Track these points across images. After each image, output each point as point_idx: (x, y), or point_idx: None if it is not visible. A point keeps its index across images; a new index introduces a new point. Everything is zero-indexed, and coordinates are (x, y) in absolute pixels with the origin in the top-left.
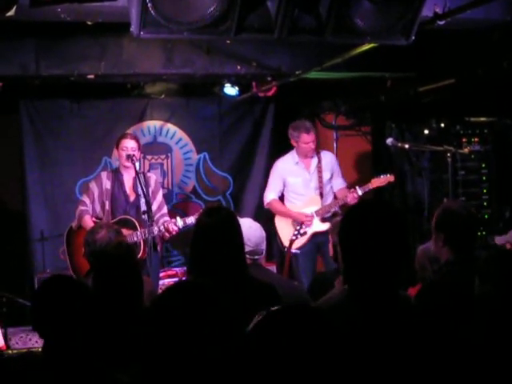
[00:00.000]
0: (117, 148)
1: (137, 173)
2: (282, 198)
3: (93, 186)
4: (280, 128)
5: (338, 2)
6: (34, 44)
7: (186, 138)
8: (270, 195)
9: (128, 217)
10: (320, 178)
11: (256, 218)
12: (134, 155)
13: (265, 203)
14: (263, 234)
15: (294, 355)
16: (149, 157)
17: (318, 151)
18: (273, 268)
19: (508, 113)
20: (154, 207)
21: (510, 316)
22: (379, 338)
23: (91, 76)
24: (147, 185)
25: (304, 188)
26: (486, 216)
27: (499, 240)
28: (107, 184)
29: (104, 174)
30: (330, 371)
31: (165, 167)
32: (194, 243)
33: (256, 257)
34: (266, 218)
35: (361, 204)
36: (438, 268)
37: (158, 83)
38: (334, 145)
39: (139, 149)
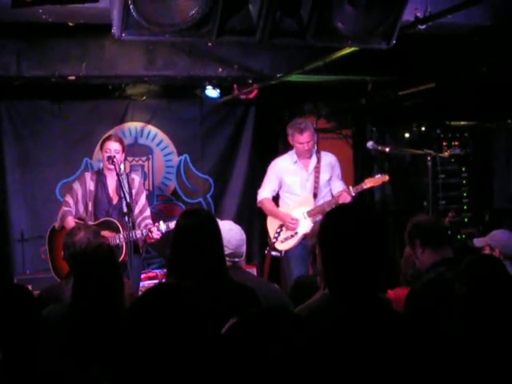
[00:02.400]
0: (100, 149)
1: (118, 175)
2: (277, 197)
3: (77, 186)
4: (261, 130)
5: (319, 6)
6: (15, 45)
7: (167, 140)
8: (263, 193)
9: (111, 219)
10: (317, 178)
11: (237, 221)
12: (114, 157)
13: (257, 201)
14: (243, 236)
15: (268, 359)
16: (130, 158)
17: (318, 151)
18: (253, 271)
19: (488, 117)
20: (137, 210)
21: (484, 315)
22: (359, 340)
23: (72, 77)
24: (130, 187)
25: (300, 188)
26: (466, 219)
27: (478, 242)
28: (91, 185)
29: (88, 175)
30: (304, 375)
31: (146, 169)
32: (174, 245)
33: (236, 259)
34: (246, 220)
35: (339, 207)
36: (425, 271)
37: (140, 85)
38: (315, 147)
39: (123, 151)
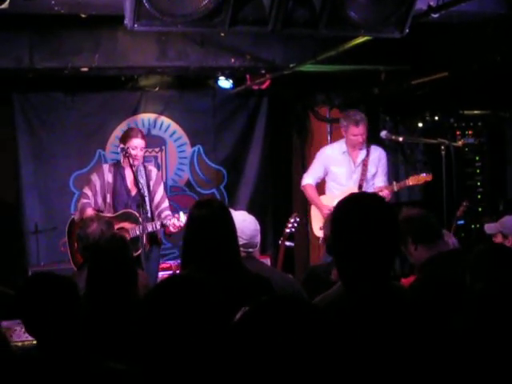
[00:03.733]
0: (122, 143)
1: (131, 166)
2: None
3: (95, 178)
4: (274, 121)
5: None
6: (27, 37)
7: (180, 131)
8: (307, 179)
9: (130, 210)
10: (364, 171)
11: (250, 211)
12: (136, 154)
13: (301, 185)
14: (257, 226)
15: (280, 348)
16: None
17: (368, 145)
18: (267, 261)
19: (502, 106)
20: (155, 201)
21: (502, 313)
22: (372, 330)
23: (85, 69)
24: (148, 178)
25: (346, 179)
26: (480, 209)
27: (489, 229)
28: (109, 177)
29: (106, 167)
30: (319, 365)
31: (159, 160)
32: (187, 236)
33: (250, 250)
34: (260, 210)
35: (351, 197)
36: (421, 265)
37: (152, 76)
38: (328, 138)
39: (146, 145)
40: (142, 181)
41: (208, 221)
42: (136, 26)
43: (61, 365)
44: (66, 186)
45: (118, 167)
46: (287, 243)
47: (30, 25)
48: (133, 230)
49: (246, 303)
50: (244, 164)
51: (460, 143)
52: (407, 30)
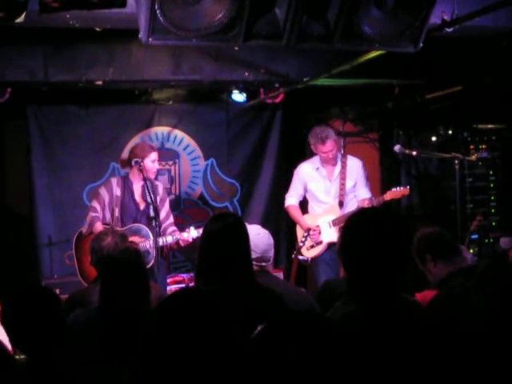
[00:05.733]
0: (139, 156)
1: (144, 179)
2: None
3: (103, 192)
4: (288, 134)
5: (346, 9)
6: (42, 50)
7: (193, 144)
8: (289, 199)
9: (141, 225)
10: (342, 185)
11: (263, 225)
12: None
13: (284, 206)
14: (271, 241)
15: (297, 363)
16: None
17: (344, 155)
18: (280, 275)
19: None
20: (162, 215)
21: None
22: (388, 343)
23: (99, 82)
24: (155, 193)
25: (325, 195)
26: (494, 223)
27: (504, 243)
28: (117, 191)
29: (114, 181)
30: (334, 379)
31: (172, 173)
32: (201, 249)
33: (263, 264)
34: (273, 224)
35: (359, 212)
36: (441, 281)
37: (166, 89)
38: (342, 151)
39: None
40: (151, 194)
41: (223, 235)
42: (150, 39)
43: (49, 376)
44: (79, 199)
45: (125, 181)
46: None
47: (45, 38)
48: (143, 243)
49: (258, 317)
50: (257, 177)
51: (474, 157)
52: (421, 45)
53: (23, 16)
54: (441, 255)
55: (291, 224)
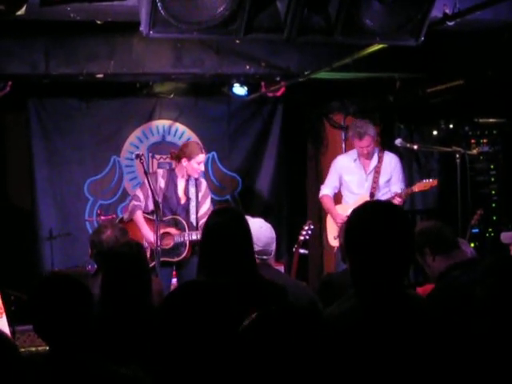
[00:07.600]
0: (188, 159)
1: (189, 175)
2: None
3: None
4: (289, 128)
5: (347, 3)
6: (43, 43)
7: (194, 138)
8: (324, 190)
9: (179, 217)
10: (376, 178)
11: (264, 218)
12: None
13: (318, 196)
14: (273, 234)
15: (283, 356)
16: (157, 156)
17: (382, 150)
18: (281, 268)
19: None
20: (201, 212)
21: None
22: (389, 338)
23: (100, 75)
24: (198, 189)
25: (358, 187)
26: (495, 217)
27: (505, 238)
28: (161, 182)
29: (160, 172)
30: (318, 373)
31: (173, 166)
32: (204, 243)
33: (265, 257)
34: (274, 217)
35: (364, 205)
36: (439, 275)
37: (167, 83)
38: (343, 145)
39: None
40: (193, 190)
41: (224, 228)
42: (151, 32)
43: (69, 369)
44: (80, 192)
45: (171, 174)
46: (301, 250)
47: (46, 31)
48: (177, 236)
49: (260, 310)
50: (258, 171)
51: (475, 151)
52: (422, 38)
53: (24, 9)
54: (440, 249)
55: (291, 218)
